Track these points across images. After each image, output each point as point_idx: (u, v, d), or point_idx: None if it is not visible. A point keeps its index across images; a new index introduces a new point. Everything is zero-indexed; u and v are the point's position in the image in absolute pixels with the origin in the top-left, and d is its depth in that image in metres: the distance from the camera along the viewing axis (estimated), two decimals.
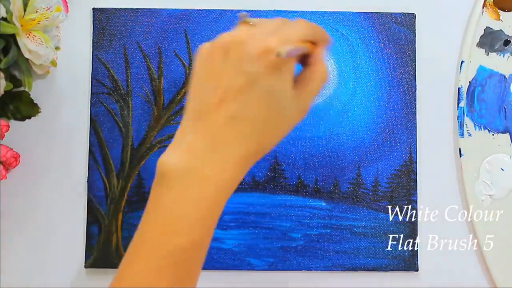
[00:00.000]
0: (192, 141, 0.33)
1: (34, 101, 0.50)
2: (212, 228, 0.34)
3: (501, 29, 0.52)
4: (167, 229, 0.32)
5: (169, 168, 0.33)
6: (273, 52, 0.32)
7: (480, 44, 0.52)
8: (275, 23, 0.35)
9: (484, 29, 0.52)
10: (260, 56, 0.32)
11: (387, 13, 0.52)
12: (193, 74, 0.35)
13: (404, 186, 0.51)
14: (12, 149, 0.49)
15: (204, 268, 0.49)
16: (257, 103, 0.33)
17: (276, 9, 0.52)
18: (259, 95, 0.33)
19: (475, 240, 0.50)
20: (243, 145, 0.33)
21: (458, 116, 0.51)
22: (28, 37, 0.45)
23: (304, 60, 0.37)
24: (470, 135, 0.51)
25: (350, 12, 0.52)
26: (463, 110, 0.51)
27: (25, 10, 0.45)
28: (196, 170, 0.33)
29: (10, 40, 0.44)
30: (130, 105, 0.51)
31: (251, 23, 0.35)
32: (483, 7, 0.52)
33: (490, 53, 0.52)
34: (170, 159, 0.33)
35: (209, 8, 0.52)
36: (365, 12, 0.52)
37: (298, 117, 0.36)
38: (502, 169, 0.51)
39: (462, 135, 0.51)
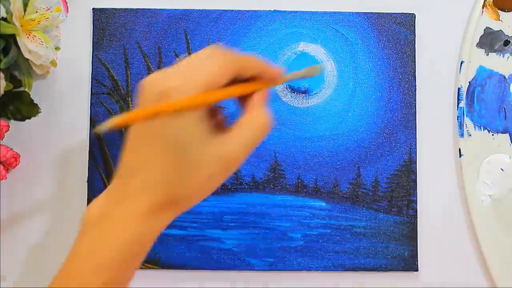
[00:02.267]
0: (110, 190, 0.33)
1: (34, 101, 0.50)
2: (123, 276, 0.32)
3: (501, 29, 0.52)
4: (72, 275, 0.32)
5: (86, 217, 0.33)
6: (170, 95, 0.30)
7: (480, 44, 0.52)
8: (190, 61, 0.32)
9: (484, 29, 0.52)
10: (156, 99, 0.30)
11: (387, 13, 0.52)
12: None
13: (404, 186, 0.51)
14: (12, 149, 0.49)
15: (204, 268, 0.50)
16: (157, 150, 0.31)
17: (276, 9, 0.52)
18: (157, 142, 0.31)
19: (475, 240, 0.50)
20: (147, 197, 0.32)
21: (458, 116, 0.51)
22: (28, 37, 0.45)
23: (243, 101, 0.33)
24: (470, 135, 0.51)
25: (350, 12, 0.52)
26: (463, 110, 0.51)
27: (25, 10, 0.45)
28: (107, 221, 0.32)
29: (10, 40, 0.44)
30: (130, 105, 0.51)
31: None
32: (483, 8, 0.52)
33: (490, 53, 0.52)
34: (91, 206, 0.33)
35: (209, 8, 0.52)
36: (365, 12, 0.52)
37: (221, 166, 0.32)
38: (502, 169, 0.51)
39: (462, 135, 0.51)
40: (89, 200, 0.50)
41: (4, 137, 0.48)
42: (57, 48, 0.50)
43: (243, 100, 0.34)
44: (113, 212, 0.32)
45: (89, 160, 0.50)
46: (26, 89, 0.48)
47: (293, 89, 0.51)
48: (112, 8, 0.52)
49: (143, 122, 0.31)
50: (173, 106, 0.30)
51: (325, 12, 0.52)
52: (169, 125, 0.31)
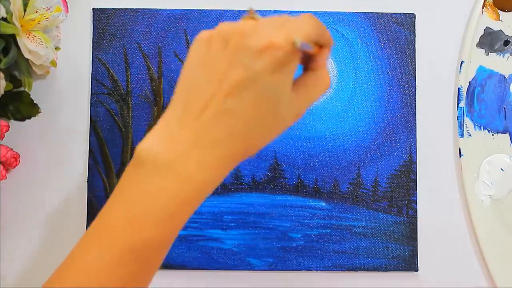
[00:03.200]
0: (177, 133, 0.31)
1: (34, 101, 0.50)
2: (179, 227, 0.32)
3: (501, 29, 0.52)
4: (134, 221, 0.30)
5: (148, 158, 0.30)
6: (277, 48, 0.30)
7: (480, 44, 0.52)
8: (282, 19, 0.32)
9: (484, 29, 0.52)
10: (263, 52, 0.30)
11: (387, 13, 0.52)
12: (187, 60, 0.32)
13: (404, 186, 0.51)
14: (12, 149, 0.49)
15: (204, 268, 0.50)
16: (253, 101, 0.30)
17: (276, 9, 0.52)
18: (256, 93, 0.30)
19: (475, 240, 0.50)
20: (230, 145, 0.31)
21: (458, 116, 0.51)
22: (28, 37, 0.45)
23: (306, 62, 0.35)
24: (470, 135, 0.51)
25: (350, 12, 0.52)
26: (463, 110, 0.51)
27: (25, 11, 0.45)
28: (176, 166, 0.30)
29: (10, 40, 0.44)
30: (130, 105, 0.51)
31: (257, 18, 0.33)
32: (483, 8, 0.52)
33: (490, 53, 0.52)
34: (151, 148, 0.31)
35: (209, 8, 0.52)
36: (365, 12, 0.52)
37: (291, 121, 0.33)
38: (502, 169, 0.51)
39: (462, 135, 0.51)
40: (89, 200, 0.50)
41: (4, 137, 0.48)
42: (57, 48, 0.50)
43: (303, 59, 0.35)
44: (187, 157, 0.30)
45: (89, 160, 0.50)
46: (26, 89, 0.48)
47: None
48: (112, 8, 0.52)
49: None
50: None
51: (325, 12, 0.52)
52: (268, 74, 0.30)
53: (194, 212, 0.32)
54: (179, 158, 0.30)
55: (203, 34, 0.32)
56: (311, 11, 0.52)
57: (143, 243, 0.30)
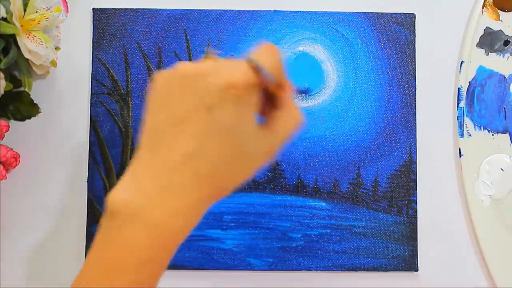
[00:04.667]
0: (144, 179, 0.30)
1: (34, 101, 0.50)
2: (158, 273, 0.31)
3: (501, 29, 0.52)
4: (109, 274, 0.30)
5: (118, 208, 0.30)
6: (236, 87, 0.30)
7: (480, 44, 0.52)
8: (238, 60, 0.32)
9: (484, 29, 0.52)
10: (223, 91, 0.30)
11: (387, 13, 0.52)
12: (148, 105, 0.32)
13: (404, 186, 0.51)
14: (12, 149, 0.49)
15: (204, 268, 0.50)
16: (217, 142, 0.30)
17: (276, 9, 0.52)
18: (220, 134, 0.30)
19: (475, 240, 0.50)
20: (198, 190, 0.30)
21: (458, 116, 0.51)
22: (28, 37, 0.45)
23: (272, 104, 0.34)
24: (470, 135, 0.51)
25: (350, 12, 0.52)
26: (463, 110, 0.51)
27: (25, 11, 0.45)
28: (145, 214, 0.30)
29: (10, 40, 0.44)
30: (130, 105, 0.51)
31: (215, 60, 0.32)
32: (483, 8, 0.52)
33: (490, 53, 0.52)
34: (121, 197, 0.30)
35: (209, 8, 0.52)
36: (365, 12, 0.52)
37: (263, 159, 0.33)
38: (502, 169, 0.51)
39: (462, 135, 0.51)
40: (89, 200, 0.50)
41: (4, 137, 0.48)
42: (57, 48, 0.50)
43: (266, 100, 0.35)
44: (155, 205, 0.30)
45: (89, 160, 0.50)
46: (26, 89, 0.48)
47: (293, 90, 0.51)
48: (112, 8, 0.52)
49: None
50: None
51: (325, 12, 0.52)
52: (230, 112, 0.30)
53: (173, 256, 0.31)
54: (147, 206, 0.30)
55: (162, 75, 0.32)
56: (311, 11, 0.52)
57: None
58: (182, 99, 0.30)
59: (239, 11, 0.52)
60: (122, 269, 0.30)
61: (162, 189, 0.30)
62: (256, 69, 0.31)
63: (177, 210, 0.30)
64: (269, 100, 0.34)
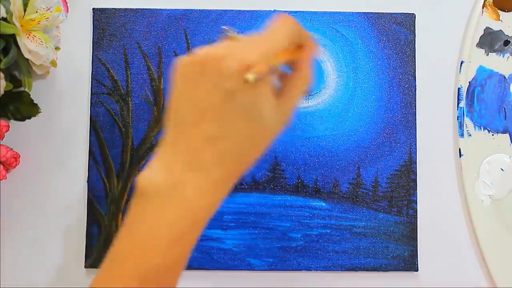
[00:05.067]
0: (172, 160, 0.32)
1: (34, 101, 0.50)
2: (188, 251, 0.33)
3: (501, 29, 0.52)
4: (142, 249, 0.31)
5: (149, 186, 0.32)
6: (251, 68, 0.31)
7: (480, 44, 0.52)
8: (256, 36, 0.33)
9: (484, 29, 0.52)
10: (238, 73, 0.31)
11: (387, 13, 0.52)
12: (172, 89, 0.33)
13: (404, 186, 0.51)
14: (12, 149, 0.49)
15: (204, 268, 0.50)
16: (237, 121, 0.31)
17: (276, 9, 0.52)
18: (238, 113, 0.31)
19: (475, 240, 0.50)
20: (223, 167, 0.32)
21: (458, 116, 0.51)
22: (28, 37, 0.45)
23: (291, 64, 0.36)
24: (470, 135, 0.51)
25: (350, 12, 0.52)
26: (463, 110, 0.51)
27: (25, 11, 0.45)
28: (175, 191, 0.31)
29: (10, 40, 0.44)
30: (130, 105, 0.51)
31: (235, 37, 0.34)
32: (483, 8, 0.52)
33: (490, 53, 0.52)
34: (151, 176, 0.32)
35: (209, 8, 0.52)
36: (365, 12, 0.52)
37: (280, 126, 0.34)
38: (502, 169, 0.51)
39: (462, 135, 0.51)
40: (89, 200, 0.50)
41: (4, 137, 0.48)
42: (57, 48, 0.50)
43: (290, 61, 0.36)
44: (184, 183, 0.31)
45: (89, 160, 0.50)
46: (26, 89, 0.48)
47: None
48: (112, 8, 0.52)
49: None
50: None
51: (325, 12, 0.52)
52: (246, 93, 0.31)
53: (201, 233, 0.33)
54: (176, 185, 0.32)
55: (182, 61, 0.33)
56: (311, 11, 0.52)
57: (151, 270, 0.31)
58: (202, 84, 0.32)
59: (239, 11, 0.52)
60: (154, 245, 0.31)
61: (188, 169, 0.32)
62: (266, 73, 0.31)
63: (203, 188, 0.32)
64: (289, 63, 0.35)
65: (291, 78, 0.35)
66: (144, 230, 0.31)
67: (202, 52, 0.32)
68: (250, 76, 0.30)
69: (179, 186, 0.31)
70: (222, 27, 0.35)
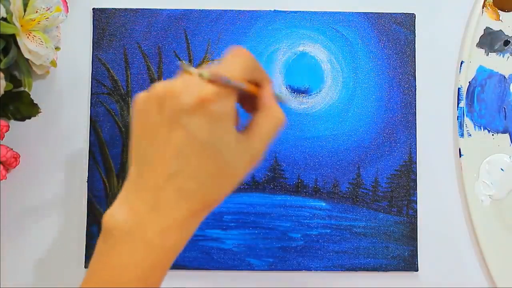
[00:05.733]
0: (135, 200, 0.31)
1: (34, 101, 0.50)
2: (158, 285, 0.32)
3: (501, 29, 0.52)
4: (112, 285, 0.31)
5: (113, 227, 0.31)
6: (207, 101, 0.30)
7: (480, 44, 0.52)
8: (213, 66, 0.33)
9: (484, 30, 0.52)
10: (195, 107, 0.30)
11: (387, 13, 0.52)
12: (132, 128, 0.33)
13: (404, 186, 0.51)
14: (12, 149, 0.49)
15: (204, 268, 0.50)
16: (197, 157, 0.31)
17: (276, 9, 0.52)
18: (197, 149, 0.31)
19: (475, 240, 0.50)
20: (187, 206, 0.31)
21: (458, 116, 0.51)
22: (28, 37, 0.45)
23: (252, 105, 0.35)
24: (470, 135, 0.51)
25: (350, 12, 0.52)
26: (463, 110, 0.51)
27: (25, 11, 0.45)
28: (138, 233, 0.31)
29: (10, 40, 0.44)
30: (130, 105, 0.51)
31: (193, 73, 0.32)
32: (483, 8, 0.52)
33: (490, 53, 0.52)
34: (115, 217, 0.31)
35: (209, 8, 0.52)
36: (365, 12, 0.52)
37: (248, 167, 0.33)
38: (502, 169, 0.51)
39: (462, 135, 0.51)
40: (89, 200, 0.50)
41: (4, 137, 0.48)
42: (57, 48, 0.50)
43: (246, 101, 0.35)
44: (147, 222, 0.31)
45: (89, 160, 0.50)
46: (26, 89, 0.48)
47: (293, 89, 0.51)
48: (112, 8, 0.52)
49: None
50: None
51: (325, 12, 0.52)
52: (207, 131, 0.31)
53: (166, 272, 0.32)
54: (139, 226, 0.31)
55: (139, 99, 0.33)
56: (311, 11, 0.52)
57: None
58: (160, 121, 0.31)
59: (239, 11, 0.52)
60: (119, 286, 0.31)
61: (151, 209, 0.31)
62: (217, 80, 0.31)
63: (167, 228, 0.31)
64: (248, 104, 0.34)
65: (259, 116, 0.34)
66: (108, 271, 0.31)
67: (158, 87, 0.32)
68: (204, 73, 0.30)
69: (141, 226, 0.31)
70: (178, 62, 0.34)
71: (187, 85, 0.31)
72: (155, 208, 0.31)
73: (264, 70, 0.35)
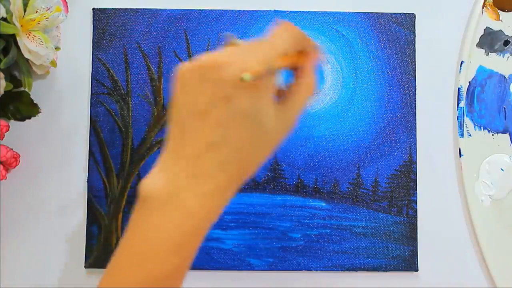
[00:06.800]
0: (174, 167, 0.32)
1: (34, 101, 0.50)
2: (190, 257, 0.33)
3: (501, 29, 0.52)
4: (143, 257, 0.31)
5: (150, 194, 0.32)
6: (250, 75, 0.31)
7: (480, 44, 0.52)
8: (257, 42, 0.33)
9: (484, 29, 0.52)
10: (237, 80, 0.31)
11: (387, 13, 0.52)
12: (173, 96, 0.33)
13: (404, 186, 0.51)
14: (12, 149, 0.49)
15: (204, 268, 0.50)
16: (237, 127, 0.31)
17: (276, 9, 0.52)
18: (239, 120, 0.31)
19: (475, 240, 0.50)
20: (224, 175, 0.32)
21: (458, 116, 0.51)
22: (28, 37, 0.45)
23: (295, 71, 0.36)
24: (470, 135, 0.51)
25: (350, 12, 0.52)
26: (463, 110, 0.51)
27: (25, 11, 0.45)
28: (177, 199, 0.31)
29: (10, 40, 0.44)
30: (130, 105, 0.51)
31: (237, 44, 0.33)
32: (483, 8, 0.52)
33: (490, 53, 0.52)
34: (152, 184, 0.32)
35: (209, 8, 0.52)
36: (365, 12, 0.52)
37: (283, 133, 0.34)
38: (502, 169, 0.51)
39: (462, 135, 0.51)
40: (89, 200, 0.50)
41: (4, 137, 0.48)
42: (57, 48, 0.50)
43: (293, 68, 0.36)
44: (184, 190, 0.31)
45: (89, 160, 0.50)
46: (26, 89, 0.48)
47: None
48: (112, 8, 0.52)
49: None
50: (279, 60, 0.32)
51: (325, 12, 0.52)
52: (246, 99, 0.31)
53: (204, 239, 0.33)
54: (177, 192, 0.32)
55: (183, 68, 0.33)
56: (311, 11, 0.52)
57: (151, 278, 0.31)
58: (202, 90, 0.32)
59: (239, 11, 0.52)
60: (156, 253, 0.31)
61: (190, 176, 0.32)
62: (263, 74, 0.31)
63: (205, 195, 0.32)
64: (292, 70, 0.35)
65: (295, 85, 0.35)
66: (144, 237, 0.32)
67: (202, 59, 0.32)
68: (246, 75, 0.30)
69: (180, 193, 0.31)
70: (224, 33, 0.35)
71: (231, 57, 0.32)
72: (194, 175, 0.32)
73: (312, 41, 0.36)
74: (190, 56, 0.51)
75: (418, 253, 0.50)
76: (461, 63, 0.52)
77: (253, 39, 0.34)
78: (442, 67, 0.52)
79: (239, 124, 0.31)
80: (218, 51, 0.33)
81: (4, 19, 0.44)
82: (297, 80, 0.35)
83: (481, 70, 0.52)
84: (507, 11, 0.52)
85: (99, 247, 0.49)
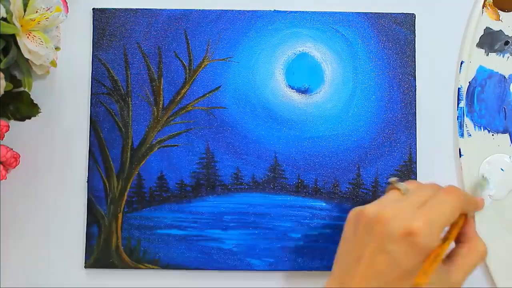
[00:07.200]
0: None
1: (34, 101, 0.50)
2: None
3: (501, 30, 0.52)
4: None
5: None
6: (415, 234, 0.32)
7: (480, 44, 0.52)
8: (425, 194, 0.35)
9: (484, 30, 0.52)
10: (403, 236, 0.33)
11: (387, 13, 0.52)
12: (343, 235, 0.37)
13: None
14: (12, 149, 0.49)
15: (204, 268, 0.50)
16: (398, 283, 0.33)
17: (276, 9, 0.52)
18: (400, 276, 0.33)
19: None
20: None
21: (458, 116, 0.51)
22: (28, 37, 0.45)
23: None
24: (470, 135, 0.51)
25: (350, 12, 0.52)
26: (463, 110, 0.51)
27: (25, 11, 0.45)
28: None
29: (10, 40, 0.44)
30: (130, 105, 0.51)
31: (402, 190, 0.36)
32: (483, 8, 0.52)
33: (490, 53, 0.52)
34: None
35: (209, 8, 0.52)
36: (365, 12, 0.52)
37: None
38: (502, 169, 0.51)
39: (462, 135, 0.51)
40: (89, 200, 0.50)
41: (4, 137, 0.48)
42: (57, 48, 0.50)
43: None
44: None
45: (89, 160, 0.50)
46: (26, 89, 0.48)
47: (294, 89, 0.51)
48: (112, 8, 0.52)
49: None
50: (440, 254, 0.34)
51: (325, 12, 0.52)
52: (410, 261, 0.33)
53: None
54: None
55: (354, 213, 0.37)
56: (311, 11, 0.52)
57: None
58: (367, 241, 0.34)
59: (239, 11, 0.52)
60: None
61: None
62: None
63: None
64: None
65: (461, 247, 0.36)
66: None
67: (371, 210, 0.35)
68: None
69: None
70: (390, 180, 0.38)
71: (398, 211, 0.34)
72: None
73: (473, 199, 0.38)
74: (190, 56, 0.51)
75: None
76: (461, 63, 0.52)
77: (417, 186, 0.37)
78: (442, 67, 0.52)
79: (399, 280, 0.33)
80: (385, 202, 0.36)
81: (4, 19, 0.44)
82: (465, 244, 0.36)
83: (481, 70, 0.52)
84: (507, 11, 0.52)
85: (99, 247, 0.49)
